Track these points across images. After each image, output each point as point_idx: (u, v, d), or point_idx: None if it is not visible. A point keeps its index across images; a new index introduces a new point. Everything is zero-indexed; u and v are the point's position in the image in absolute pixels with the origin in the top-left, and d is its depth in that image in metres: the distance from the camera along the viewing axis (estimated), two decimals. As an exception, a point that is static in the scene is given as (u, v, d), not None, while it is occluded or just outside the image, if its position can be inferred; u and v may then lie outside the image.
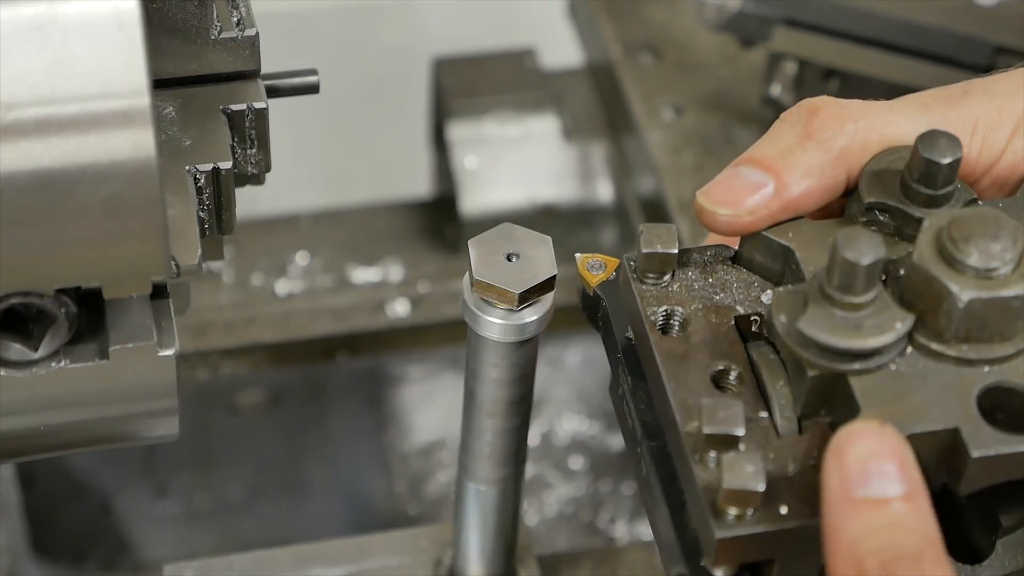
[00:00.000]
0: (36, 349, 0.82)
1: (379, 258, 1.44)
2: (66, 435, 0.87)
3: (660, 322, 0.84)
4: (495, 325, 0.90)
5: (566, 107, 1.47)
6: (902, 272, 0.81)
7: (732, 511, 0.77)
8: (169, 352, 0.84)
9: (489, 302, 0.90)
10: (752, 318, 0.84)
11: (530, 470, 1.45)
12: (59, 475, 1.42)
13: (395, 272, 1.43)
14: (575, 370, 1.48)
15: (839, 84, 1.29)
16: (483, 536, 1.04)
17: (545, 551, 1.36)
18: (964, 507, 0.85)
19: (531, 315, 0.90)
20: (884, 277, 0.82)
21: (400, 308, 1.40)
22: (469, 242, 0.90)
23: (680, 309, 0.84)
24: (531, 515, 1.43)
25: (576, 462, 1.47)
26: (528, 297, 0.89)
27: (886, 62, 1.29)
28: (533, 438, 1.46)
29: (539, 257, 0.90)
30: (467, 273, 0.90)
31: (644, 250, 0.84)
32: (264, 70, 0.92)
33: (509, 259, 0.90)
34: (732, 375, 0.82)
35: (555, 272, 0.89)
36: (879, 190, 0.85)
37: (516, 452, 0.99)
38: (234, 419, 1.43)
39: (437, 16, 1.95)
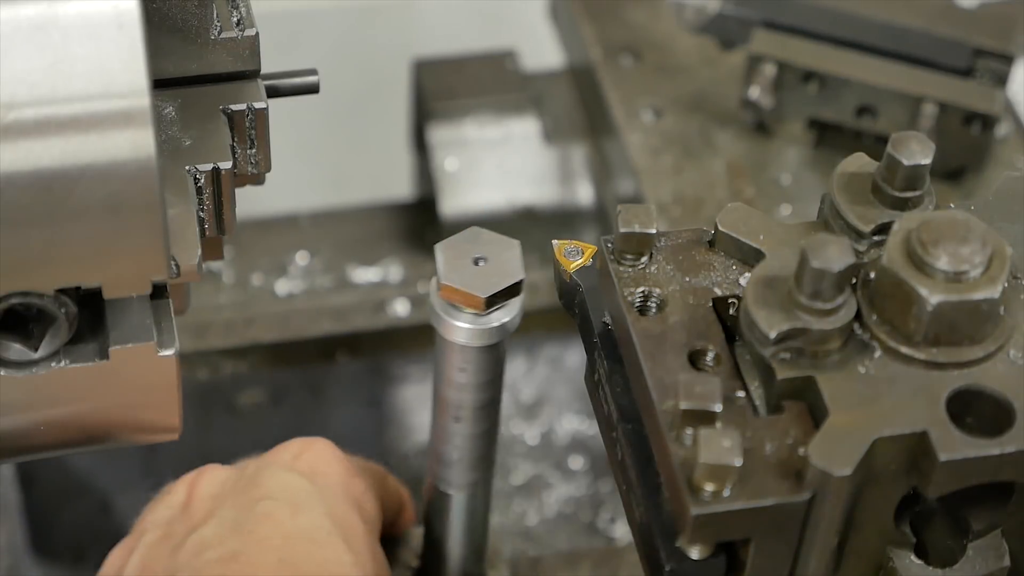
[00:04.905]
0: (36, 349, 0.82)
1: (379, 258, 1.44)
2: (66, 435, 0.87)
3: (638, 303, 0.84)
4: (462, 329, 0.90)
5: (546, 109, 1.47)
6: (872, 276, 0.82)
7: (708, 487, 0.77)
8: (169, 352, 0.84)
9: (456, 306, 0.90)
10: (730, 300, 0.85)
11: (530, 470, 1.45)
12: (59, 475, 1.42)
13: (395, 272, 1.43)
14: (575, 370, 1.48)
15: (818, 86, 1.29)
16: (452, 540, 1.03)
17: (545, 551, 1.36)
18: (935, 510, 0.85)
19: (498, 319, 0.90)
20: (855, 281, 0.82)
21: (400, 308, 1.40)
22: (436, 246, 0.90)
23: (658, 290, 0.85)
24: (531, 515, 1.43)
25: (576, 462, 1.47)
26: (495, 301, 0.89)
27: (865, 64, 1.29)
28: (533, 438, 1.46)
29: (507, 261, 0.90)
30: (434, 277, 0.90)
31: (622, 229, 0.85)
32: (264, 70, 0.92)
33: (476, 263, 0.89)
34: (709, 356, 0.82)
35: (523, 276, 0.89)
36: (848, 195, 0.85)
37: (485, 456, 0.99)
38: (234, 419, 1.43)
39: (438, 17, 1.95)
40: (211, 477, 0.97)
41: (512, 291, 0.89)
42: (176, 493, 0.97)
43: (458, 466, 0.98)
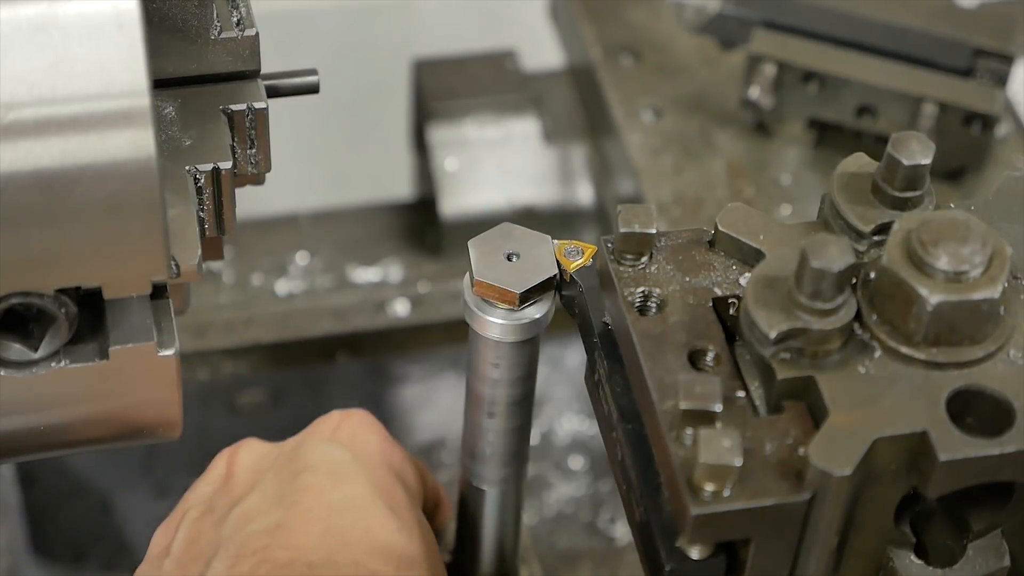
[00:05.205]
0: (36, 349, 0.82)
1: (379, 258, 1.44)
2: (66, 435, 0.87)
3: (638, 303, 0.85)
4: (496, 325, 0.90)
5: (546, 109, 1.47)
6: (872, 276, 0.82)
7: (709, 487, 0.77)
8: (169, 352, 0.84)
9: (490, 302, 0.90)
10: (730, 300, 0.85)
11: (530, 470, 1.45)
12: (59, 475, 1.42)
13: (395, 272, 1.43)
14: (575, 370, 1.48)
15: (818, 86, 1.29)
16: (485, 536, 1.04)
17: (545, 551, 1.36)
18: (935, 510, 0.85)
19: (532, 314, 0.90)
20: (855, 281, 0.82)
21: (400, 308, 1.40)
22: (469, 242, 0.91)
23: (658, 290, 0.85)
24: (531, 515, 1.43)
25: (576, 462, 1.47)
26: (529, 296, 0.90)
27: (865, 64, 1.29)
28: (533, 438, 1.46)
29: (539, 256, 0.90)
30: (467, 273, 0.90)
31: (622, 229, 0.85)
32: (264, 70, 0.92)
33: (509, 259, 0.90)
34: (709, 356, 0.82)
35: (556, 272, 0.90)
36: (848, 195, 0.85)
37: (518, 452, 0.99)
38: (234, 419, 1.43)
39: (438, 17, 1.95)
40: (249, 450, 0.98)
41: (545, 286, 0.90)
42: (216, 468, 0.98)
43: (491, 462, 0.98)
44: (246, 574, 0.89)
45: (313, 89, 0.95)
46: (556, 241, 0.91)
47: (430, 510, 1.03)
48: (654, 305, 0.84)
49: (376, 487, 0.94)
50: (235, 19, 0.90)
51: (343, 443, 0.97)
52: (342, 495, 0.93)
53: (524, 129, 1.45)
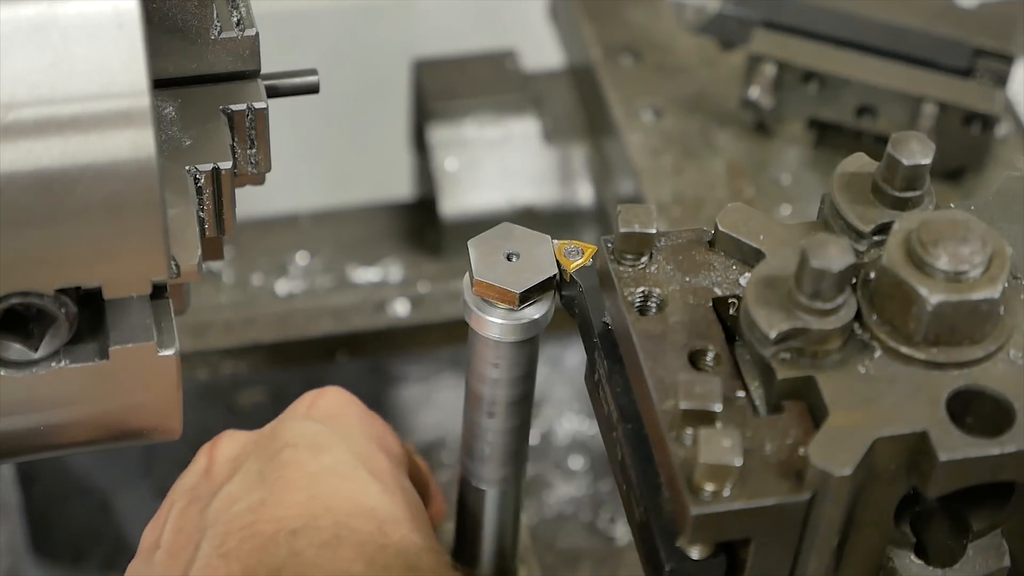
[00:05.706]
0: (36, 349, 0.82)
1: (379, 258, 1.44)
2: (66, 435, 0.87)
3: (638, 303, 0.85)
4: (495, 325, 0.90)
5: (546, 109, 1.47)
6: (872, 276, 0.82)
7: (709, 487, 0.77)
8: (169, 352, 0.84)
9: (490, 302, 0.90)
10: (730, 300, 0.85)
11: (530, 470, 1.45)
12: (59, 475, 1.42)
13: (395, 272, 1.43)
14: (575, 370, 1.48)
15: (818, 86, 1.29)
16: (484, 536, 1.04)
17: (545, 551, 1.36)
18: (935, 510, 0.85)
19: (532, 314, 0.90)
20: (855, 281, 0.82)
21: (400, 308, 1.40)
22: (469, 242, 0.91)
23: (658, 290, 0.85)
24: (531, 515, 1.43)
25: (576, 462, 1.47)
26: (529, 296, 0.90)
27: (865, 64, 1.29)
28: (533, 438, 1.46)
29: (539, 256, 0.90)
30: (467, 273, 0.90)
31: (622, 229, 0.85)
32: (264, 70, 0.92)
33: (509, 259, 0.90)
34: (709, 356, 0.83)
35: (556, 271, 0.90)
36: (849, 195, 0.85)
37: (517, 452, 0.99)
38: (234, 419, 1.43)
39: (438, 17, 1.95)
40: (229, 441, 1.00)
41: (545, 286, 0.90)
42: (198, 461, 1.00)
43: (490, 462, 0.99)
44: (232, 550, 0.90)
45: (313, 89, 0.95)
46: (556, 241, 0.91)
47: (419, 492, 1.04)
48: (654, 305, 0.85)
49: (356, 454, 0.96)
50: (235, 19, 0.90)
51: (319, 419, 0.98)
52: (322, 464, 0.94)
53: (524, 129, 1.45)
